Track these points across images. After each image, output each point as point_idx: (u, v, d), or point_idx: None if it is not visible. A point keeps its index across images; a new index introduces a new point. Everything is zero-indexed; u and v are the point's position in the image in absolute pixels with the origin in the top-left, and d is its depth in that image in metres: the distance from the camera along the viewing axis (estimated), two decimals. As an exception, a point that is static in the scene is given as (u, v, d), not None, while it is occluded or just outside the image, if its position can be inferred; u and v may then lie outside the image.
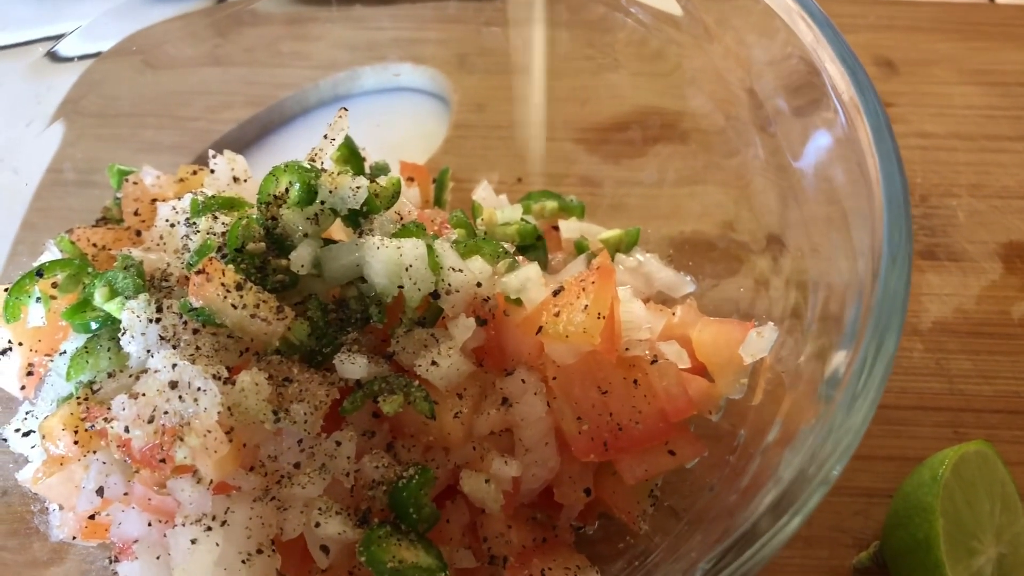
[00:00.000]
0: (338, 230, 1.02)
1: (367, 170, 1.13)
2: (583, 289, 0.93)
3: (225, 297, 0.89)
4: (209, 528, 0.88)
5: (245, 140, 1.53)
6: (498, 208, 1.19)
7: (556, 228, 1.23)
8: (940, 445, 1.12)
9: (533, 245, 1.13)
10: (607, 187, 1.38)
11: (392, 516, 0.93)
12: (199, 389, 0.86)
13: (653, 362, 0.97)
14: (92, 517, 1.00)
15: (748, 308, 1.11)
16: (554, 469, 0.97)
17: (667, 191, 1.30)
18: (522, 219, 1.15)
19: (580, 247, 1.19)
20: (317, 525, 0.90)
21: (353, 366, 0.92)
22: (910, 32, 1.65)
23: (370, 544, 0.89)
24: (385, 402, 0.91)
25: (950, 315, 1.31)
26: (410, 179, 1.28)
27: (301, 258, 0.93)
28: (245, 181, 1.11)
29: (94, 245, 1.11)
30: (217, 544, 0.87)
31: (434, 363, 0.92)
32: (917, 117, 1.49)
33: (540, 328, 0.93)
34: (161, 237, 1.06)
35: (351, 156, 1.11)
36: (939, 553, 1.00)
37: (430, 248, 0.94)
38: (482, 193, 1.25)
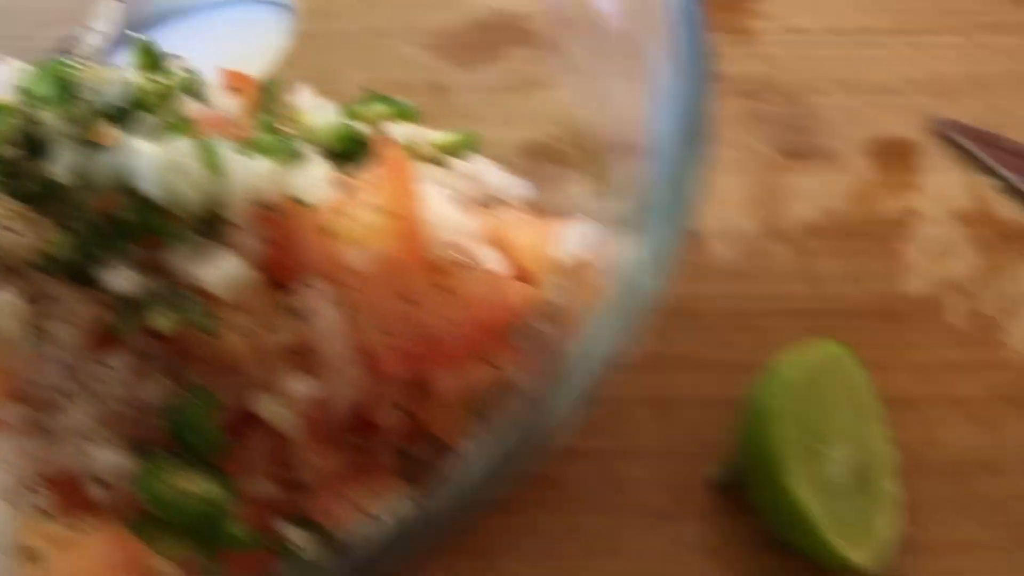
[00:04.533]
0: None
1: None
2: (374, 186, 0.84)
3: (-33, 208, 0.80)
4: (-33, 466, 0.80)
5: (75, 60, 1.41)
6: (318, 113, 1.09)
7: (391, 136, 1.13)
8: (801, 350, 1.06)
9: (355, 151, 1.03)
10: (457, 93, 1.28)
11: (178, 445, 0.85)
12: (-60, 311, 0.77)
13: (467, 267, 0.89)
14: None
15: (588, 211, 1.03)
16: (361, 387, 0.89)
17: (512, 97, 1.21)
18: (344, 124, 1.05)
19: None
20: (90, 457, 0.82)
21: (122, 280, 0.83)
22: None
23: (146, 474, 0.81)
24: (160, 318, 0.83)
25: (819, 216, 1.25)
26: (235, 89, 1.17)
27: (60, 164, 0.83)
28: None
29: None
30: (-28, 483, 0.78)
31: (214, 267, 0.83)
32: (788, 11, 1.40)
33: (329, 231, 0.85)
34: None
35: (153, 62, 1.00)
36: (784, 458, 0.95)
37: (206, 147, 0.85)
38: (303, 99, 1.14)
